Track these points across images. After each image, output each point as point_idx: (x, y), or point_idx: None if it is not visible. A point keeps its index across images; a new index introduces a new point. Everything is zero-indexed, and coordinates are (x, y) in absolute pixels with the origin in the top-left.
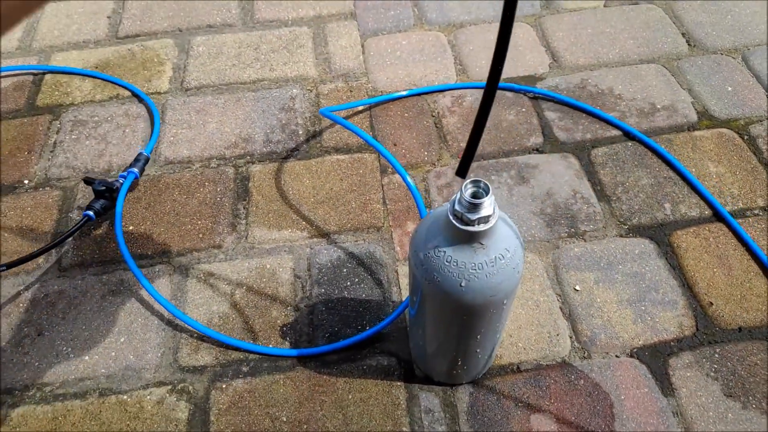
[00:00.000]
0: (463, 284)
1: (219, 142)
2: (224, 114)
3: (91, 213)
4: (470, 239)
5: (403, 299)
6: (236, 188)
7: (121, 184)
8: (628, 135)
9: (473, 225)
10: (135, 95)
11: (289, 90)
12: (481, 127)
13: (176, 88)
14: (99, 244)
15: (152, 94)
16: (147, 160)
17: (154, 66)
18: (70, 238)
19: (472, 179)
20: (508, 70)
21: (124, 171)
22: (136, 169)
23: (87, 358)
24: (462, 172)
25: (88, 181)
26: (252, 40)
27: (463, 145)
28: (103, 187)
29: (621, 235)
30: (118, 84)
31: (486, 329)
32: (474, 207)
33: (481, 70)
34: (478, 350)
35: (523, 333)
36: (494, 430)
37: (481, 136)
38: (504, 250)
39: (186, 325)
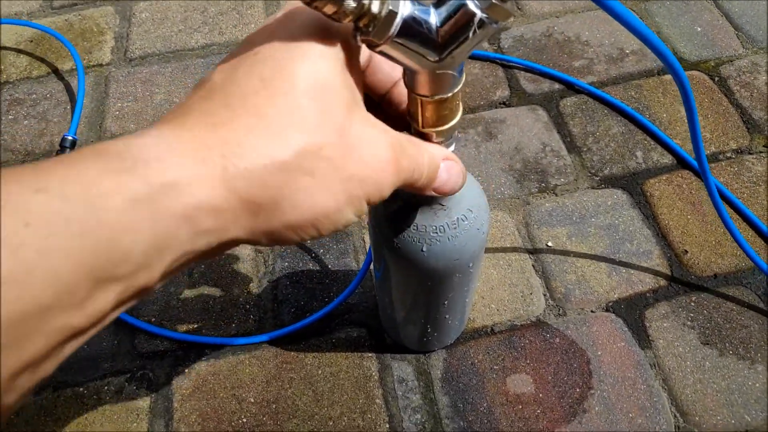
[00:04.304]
0: (424, 249)
1: None
2: (172, 83)
3: None
4: (431, 200)
5: (370, 268)
6: None
7: None
8: (582, 90)
9: None
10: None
11: None
12: None
13: (119, 58)
14: None
15: (93, 66)
16: (74, 143)
17: (94, 36)
18: None
19: None
20: None
21: None
22: None
23: None
24: None
25: None
26: (199, 3)
27: None
28: None
29: (593, 187)
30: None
31: (454, 294)
32: None
33: None
34: (447, 316)
35: (495, 294)
36: (470, 394)
37: None
38: (467, 211)
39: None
